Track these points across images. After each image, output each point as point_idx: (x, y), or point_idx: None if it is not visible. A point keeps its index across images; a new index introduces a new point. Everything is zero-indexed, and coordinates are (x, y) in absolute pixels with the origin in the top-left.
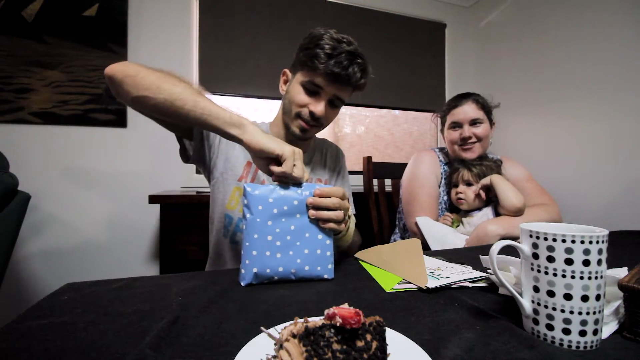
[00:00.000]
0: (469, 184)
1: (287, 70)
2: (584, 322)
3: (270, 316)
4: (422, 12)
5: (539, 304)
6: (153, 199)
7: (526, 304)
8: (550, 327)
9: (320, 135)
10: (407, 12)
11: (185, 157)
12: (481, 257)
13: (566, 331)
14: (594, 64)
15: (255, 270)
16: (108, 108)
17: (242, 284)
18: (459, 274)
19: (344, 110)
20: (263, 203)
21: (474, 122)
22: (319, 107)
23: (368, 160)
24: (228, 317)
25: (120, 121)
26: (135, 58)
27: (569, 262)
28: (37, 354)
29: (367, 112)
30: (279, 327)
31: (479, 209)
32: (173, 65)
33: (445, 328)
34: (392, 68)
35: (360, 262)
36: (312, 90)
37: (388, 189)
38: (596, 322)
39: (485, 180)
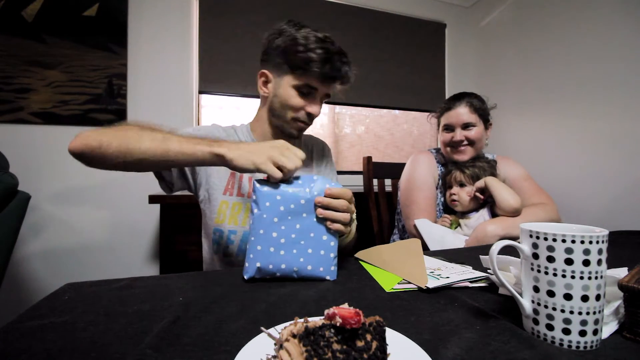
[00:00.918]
0: (462, 185)
1: (266, 72)
2: (584, 322)
3: (270, 316)
4: (422, 12)
5: (539, 304)
6: (153, 199)
7: (526, 304)
8: (550, 327)
9: (320, 135)
10: (407, 12)
11: (168, 188)
12: (481, 257)
13: (566, 331)
14: (593, 63)
15: (258, 264)
16: (108, 108)
17: (245, 277)
18: (458, 274)
19: (344, 110)
20: (271, 200)
21: (466, 126)
22: (315, 108)
23: (368, 160)
24: (228, 317)
25: (120, 121)
26: (135, 58)
27: (569, 262)
28: (37, 354)
29: (367, 112)
30: (279, 327)
31: (476, 210)
32: (173, 65)
33: (445, 328)
34: (392, 68)
35: (360, 262)
36: (305, 92)
37: (388, 189)
38: (596, 322)
39: (479, 183)
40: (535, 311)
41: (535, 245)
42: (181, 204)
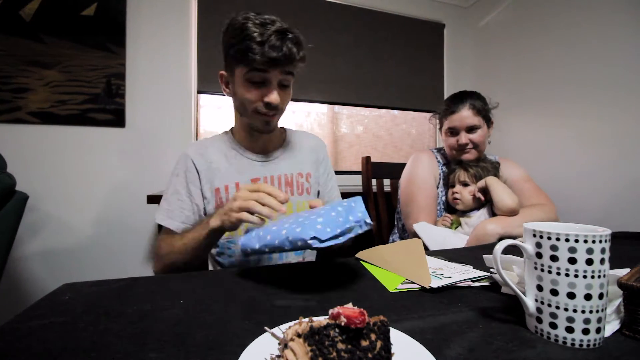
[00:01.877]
0: (465, 184)
1: (223, 72)
2: (587, 321)
3: (274, 316)
4: (421, 12)
5: (542, 303)
6: (151, 199)
7: (529, 302)
8: (553, 326)
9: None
10: (406, 12)
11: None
12: (484, 256)
13: (569, 329)
14: (592, 63)
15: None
16: (106, 108)
17: (241, 247)
18: (460, 273)
19: (343, 110)
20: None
21: (470, 129)
22: (273, 96)
23: (367, 160)
24: (231, 317)
25: (118, 121)
26: (134, 57)
27: (572, 261)
28: (37, 354)
29: (365, 112)
30: (283, 326)
31: (477, 209)
32: (171, 65)
33: (449, 328)
34: (391, 68)
35: (362, 262)
36: (258, 82)
37: (387, 189)
38: (599, 320)
39: (481, 183)
40: (539, 310)
41: (538, 245)
42: None
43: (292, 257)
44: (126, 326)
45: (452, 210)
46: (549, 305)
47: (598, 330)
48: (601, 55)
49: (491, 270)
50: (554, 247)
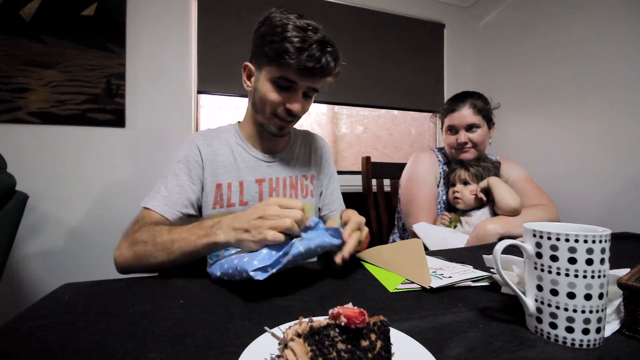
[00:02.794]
0: (465, 183)
1: (249, 64)
2: (587, 321)
3: (274, 316)
4: (421, 12)
5: (542, 303)
6: None
7: (529, 302)
8: (553, 326)
9: (321, 135)
10: (406, 13)
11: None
12: (484, 256)
13: (569, 329)
14: (592, 63)
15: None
16: (106, 108)
17: (253, 276)
18: (460, 273)
19: (343, 110)
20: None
21: (470, 128)
22: (295, 104)
23: (367, 160)
24: (231, 317)
25: (118, 121)
26: (134, 57)
27: (572, 261)
28: (37, 354)
29: (365, 112)
30: (283, 326)
31: (477, 208)
32: (171, 65)
33: (449, 328)
34: (391, 68)
35: (362, 262)
36: (284, 87)
37: (387, 189)
38: (599, 320)
39: (483, 183)
40: (539, 310)
41: (538, 245)
42: None
43: None
44: (126, 326)
45: (453, 210)
46: (549, 305)
47: (598, 330)
48: (601, 54)
49: (491, 270)
50: (554, 247)
